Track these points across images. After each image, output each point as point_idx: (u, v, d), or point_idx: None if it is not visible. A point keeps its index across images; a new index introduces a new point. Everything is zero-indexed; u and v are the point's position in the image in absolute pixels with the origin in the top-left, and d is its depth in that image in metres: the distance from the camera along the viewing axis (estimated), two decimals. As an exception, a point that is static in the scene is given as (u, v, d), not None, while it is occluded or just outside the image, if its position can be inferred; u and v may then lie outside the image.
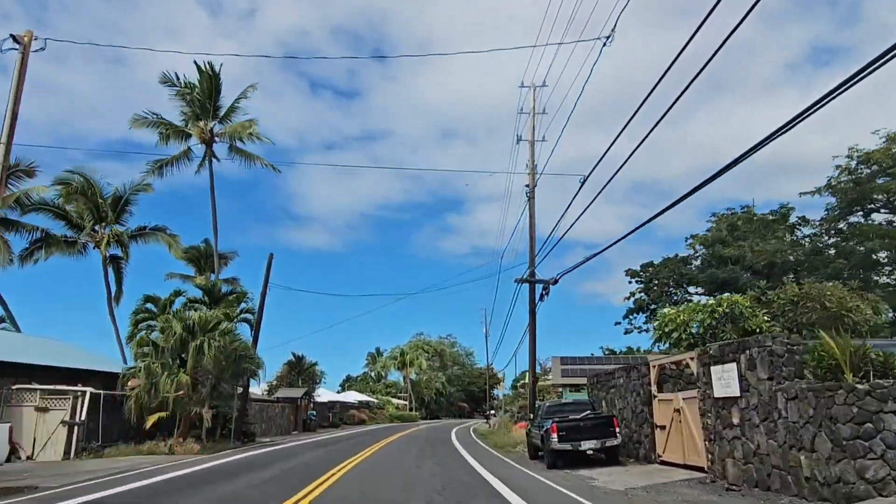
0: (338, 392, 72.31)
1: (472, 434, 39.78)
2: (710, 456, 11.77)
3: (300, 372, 43.09)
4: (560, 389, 74.91)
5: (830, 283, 17.55)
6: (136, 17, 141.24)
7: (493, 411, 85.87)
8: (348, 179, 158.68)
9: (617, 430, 15.24)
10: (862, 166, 26.35)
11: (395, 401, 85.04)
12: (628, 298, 38.27)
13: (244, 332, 26.22)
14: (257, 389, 45.31)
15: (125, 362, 25.59)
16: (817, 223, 30.28)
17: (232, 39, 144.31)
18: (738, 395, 10.79)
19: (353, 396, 66.49)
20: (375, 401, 71.36)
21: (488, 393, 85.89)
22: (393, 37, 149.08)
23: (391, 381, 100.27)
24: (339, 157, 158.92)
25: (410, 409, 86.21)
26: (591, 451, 15.23)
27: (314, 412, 41.78)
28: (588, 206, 15.67)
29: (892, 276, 27.78)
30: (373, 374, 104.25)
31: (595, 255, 18.40)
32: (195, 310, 21.77)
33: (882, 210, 27.45)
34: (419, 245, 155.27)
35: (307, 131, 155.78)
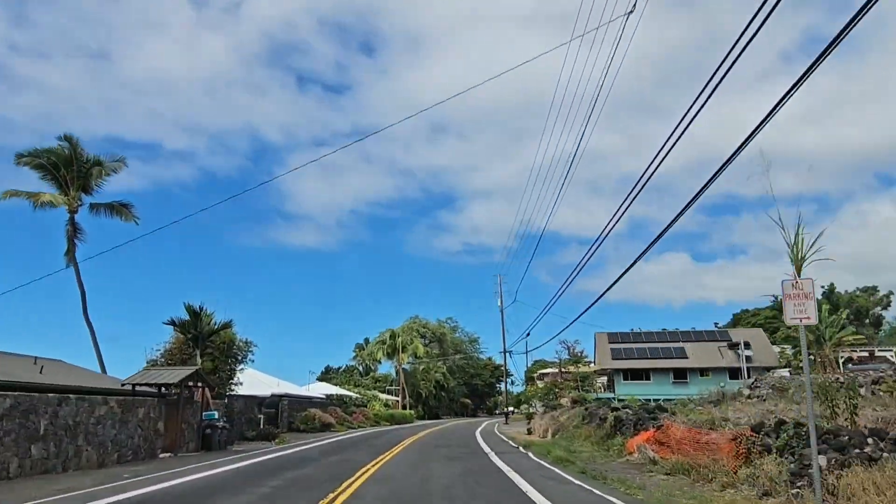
0: (304, 386, 51.98)
1: (530, 454, 19.20)
2: None
3: (197, 339, 22.82)
4: (603, 378, 54.04)
5: None
6: (118, 10, 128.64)
7: (511, 408, 65.77)
8: (339, 176, 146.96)
9: None
10: None
11: (383, 396, 64.69)
12: None
13: None
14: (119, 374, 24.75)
15: None
16: None
17: (217, 32, 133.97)
18: None
19: (320, 389, 46.14)
20: (355, 395, 51.13)
21: (506, 385, 65.50)
22: (382, 30, 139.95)
23: (381, 374, 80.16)
24: (329, 153, 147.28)
25: (404, 407, 65.93)
26: None
27: (214, 413, 21.34)
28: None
29: None
30: (360, 367, 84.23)
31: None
32: None
33: None
34: (412, 243, 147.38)
35: (295, 128, 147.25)
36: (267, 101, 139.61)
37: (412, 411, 63.51)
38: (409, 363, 77.66)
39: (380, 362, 79.11)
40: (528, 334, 43.11)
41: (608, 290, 25.77)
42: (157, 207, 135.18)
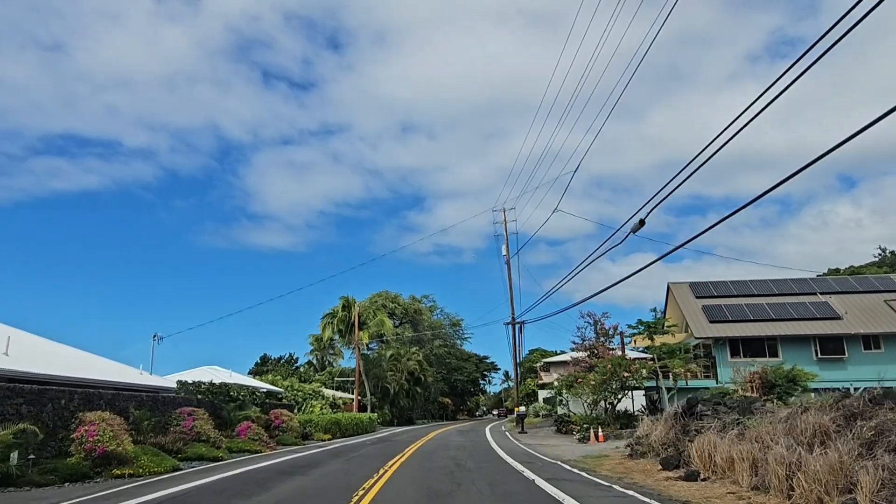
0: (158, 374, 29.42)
1: None
2: None
3: None
4: (691, 352, 32.29)
5: None
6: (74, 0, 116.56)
7: (522, 408, 44.38)
8: (306, 176, 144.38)
9: None
10: None
11: (330, 392, 42.77)
12: None
13: None
14: None
15: None
16: None
17: (178, 24, 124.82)
18: None
19: (191, 376, 23.91)
20: (269, 389, 29.11)
21: (517, 373, 43.31)
22: (349, 24, 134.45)
23: (347, 367, 58.55)
24: (296, 152, 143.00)
25: (363, 408, 44.07)
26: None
27: None
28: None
29: None
30: (315, 360, 62.22)
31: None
32: None
33: None
34: (380, 244, 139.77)
35: (261, 125, 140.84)
36: (231, 97, 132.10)
37: (374, 414, 41.50)
38: (370, 349, 55.66)
39: (331, 348, 56.93)
40: (520, 321, 22.09)
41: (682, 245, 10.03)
42: (118, 208, 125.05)
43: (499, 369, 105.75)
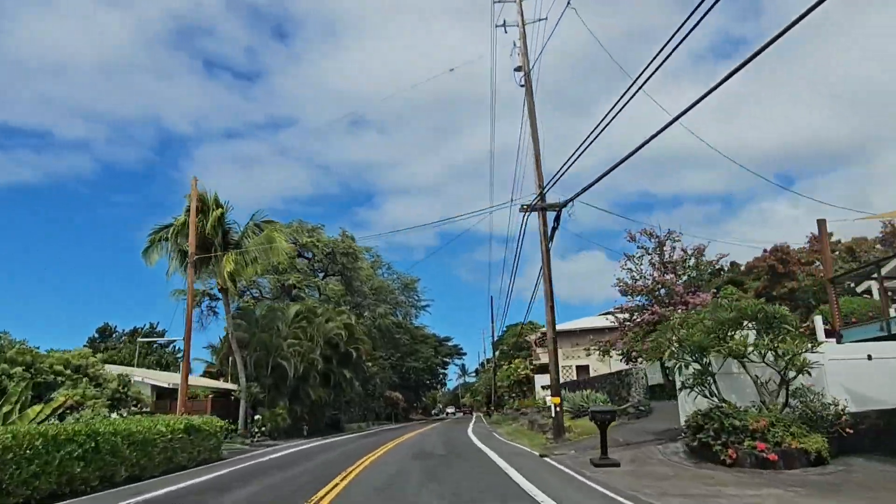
0: None
1: None
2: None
3: None
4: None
5: None
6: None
7: (548, 401, 21.46)
8: (254, 170, 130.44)
9: None
10: None
11: (116, 370, 18.91)
12: None
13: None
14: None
15: None
16: None
17: (116, 9, 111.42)
18: None
19: None
20: None
21: (552, 304, 19.99)
22: (296, 13, 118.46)
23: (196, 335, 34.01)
24: (241, 145, 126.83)
25: (233, 403, 20.57)
26: None
27: None
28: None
29: None
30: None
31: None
32: None
33: None
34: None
35: (203, 117, 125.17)
36: (172, 87, 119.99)
37: (217, 419, 17.79)
38: (254, 295, 31.98)
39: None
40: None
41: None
42: (52, 201, 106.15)
43: (464, 354, 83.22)
